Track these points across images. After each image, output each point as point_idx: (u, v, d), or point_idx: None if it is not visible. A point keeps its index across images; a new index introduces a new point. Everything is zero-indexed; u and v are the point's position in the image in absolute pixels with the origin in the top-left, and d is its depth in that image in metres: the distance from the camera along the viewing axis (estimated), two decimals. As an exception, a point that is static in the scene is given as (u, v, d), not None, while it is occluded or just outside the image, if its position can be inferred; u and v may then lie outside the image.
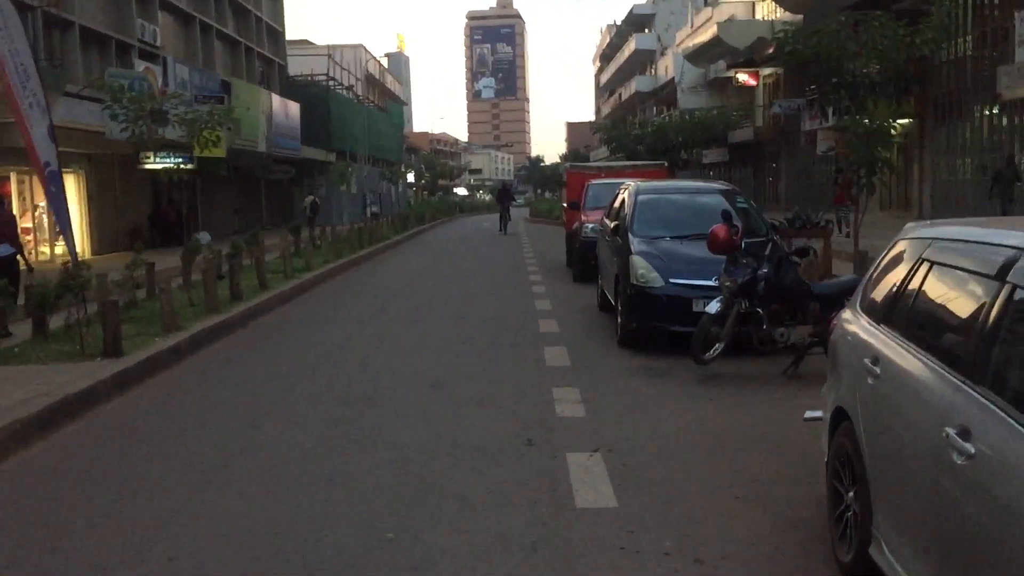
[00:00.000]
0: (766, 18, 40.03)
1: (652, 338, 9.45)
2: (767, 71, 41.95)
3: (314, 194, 45.97)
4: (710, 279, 9.02)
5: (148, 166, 26.82)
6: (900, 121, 27.37)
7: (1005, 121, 22.80)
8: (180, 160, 26.77)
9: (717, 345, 8.26)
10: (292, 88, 46.27)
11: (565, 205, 19.97)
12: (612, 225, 10.91)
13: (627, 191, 11.37)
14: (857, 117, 11.19)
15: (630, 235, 10.19)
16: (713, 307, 8.17)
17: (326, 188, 47.74)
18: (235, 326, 11.25)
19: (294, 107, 39.02)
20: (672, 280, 9.27)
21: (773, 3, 40.82)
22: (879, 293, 4.22)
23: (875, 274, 4.48)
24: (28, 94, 9.32)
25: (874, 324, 4.08)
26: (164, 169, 12.96)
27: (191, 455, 6.10)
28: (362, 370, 8.92)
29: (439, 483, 5.44)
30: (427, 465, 5.78)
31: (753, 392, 7.75)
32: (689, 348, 8.30)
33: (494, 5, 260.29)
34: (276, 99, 36.16)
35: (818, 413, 4.80)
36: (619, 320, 9.92)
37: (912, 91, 11.66)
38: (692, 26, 53.32)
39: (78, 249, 25.13)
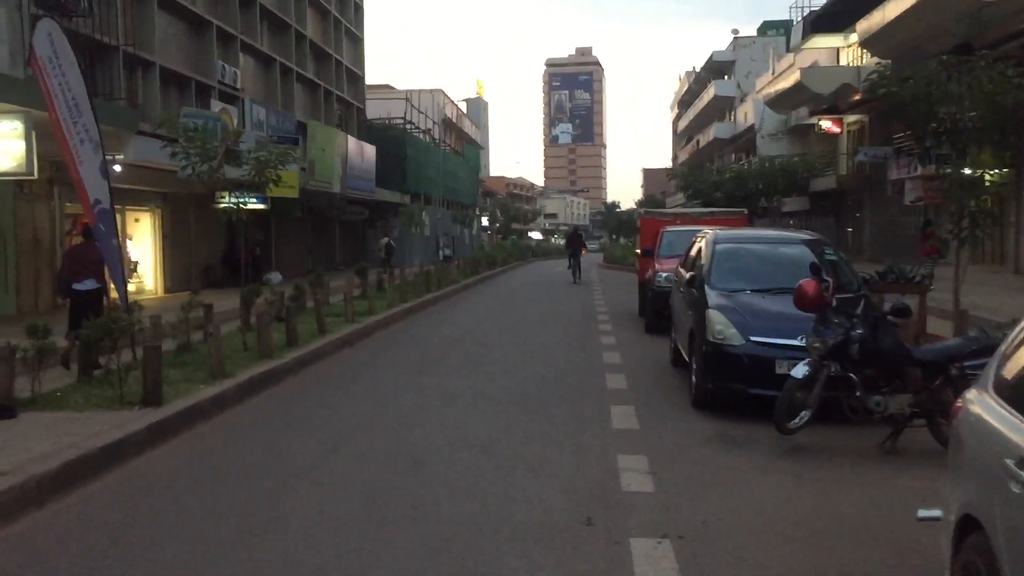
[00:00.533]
0: (851, 64, 38.88)
1: (730, 400, 8.63)
2: (851, 118, 40.71)
3: (389, 236, 46.19)
4: (796, 338, 8.18)
5: (223, 205, 27.07)
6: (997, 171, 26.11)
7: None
8: (253, 199, 26.96)
9: (804, 413, 7.40)
10: (370, 131, 46.68)
11: (638, 252, 19.20)
12: (688, 276, 10.14)
13: (704, 239, 10.61)
14: (957, 164, 10.24)
15: (707, 287, 9.41)
16: (800, 370, 7.33)
17: (399, 230, 47.84)
18: (287, 373, 10.75)
19: (370, 149, 39.20)
20: (753, 338, 8.45)
21: (859, 49, 39.70)
22: (1021, 374, 3.41)
23: (1011, 349, 3.67)
24: (80, 129, 9.08)
25: (1016, 414, 3.27)
26: (224, 208, 12.53)
27: (208, 527, 5.51)
28: (412, 427, 8.28)
29: (481, 571, 4.73)
30: (470, 546, 5.09)
31: (845, 469, 6.87)
32: (772, 414, 7.47)
33: (573, 52, 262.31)
34: (352, 141, 36.33)
35: (936, 513, 3.96)
36: (693, 379, 9.11)
37: (1009, 139, 10.59)
38: (773, 73, 52.31)
39: (150, 286, 25.49)
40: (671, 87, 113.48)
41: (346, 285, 19.88)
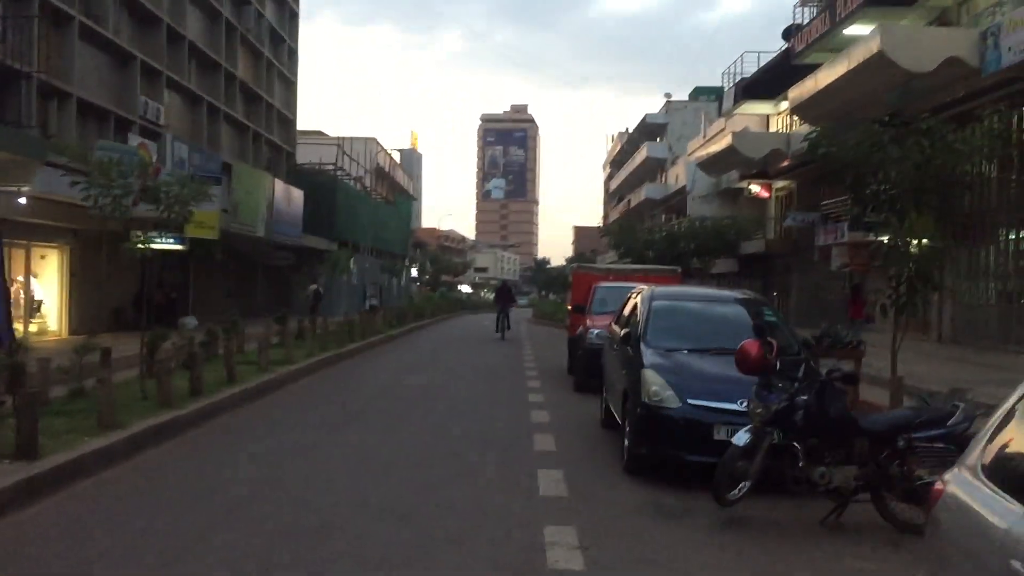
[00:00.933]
0: (781, 131, 39.64)
1: (664, 467, 8.09)
2: (780, 184, 41.40)
3: (316, 283, 45.09)
4: (735, 402, 7.73)
5: (139, 246, 25.93)
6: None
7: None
8: (171, 239, 25.87)
9: (744, 483, 6.89)
10: (300, 176, 45.81)
11: (569, 308, 18.74)
12: (622, 333, 9.65)
13: (640, 295, 10.16)
14: (895, 230, 10.03)
15: (643, 345, 8.92)
16: (741, 438, 6.84)
17: (325, 277, 46.80)
18: (187, 425, 9.88)
19: (297, 193, 38.35)
20: (691, 401, 7.95)
21: (788, 116, 40.54)
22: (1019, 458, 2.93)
23: (1000, 426, 3.19)
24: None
25: (1017, 502, 2.77)
26: (130, 246, 11.64)
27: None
28: (321, 491, 7.53)
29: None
30: (374, 639, 4.39)
31: (788, 546, 6.36)
32: (711, 484, 6.95)
33: (508, 109, 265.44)
34: (279, 185, 35.47)
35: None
36: (626, 443, 8.56)
37: (947, 205, 10.45)
38: (704, 136, 53.20)
39: (54, 327, 24.11)
40: (603, 148, 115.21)
41: (264, 332, 18.99)
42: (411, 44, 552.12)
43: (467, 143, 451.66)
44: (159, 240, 25.81)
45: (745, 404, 7.62)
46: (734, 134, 36.58)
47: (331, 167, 47.83)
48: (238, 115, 36.89)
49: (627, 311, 10.71)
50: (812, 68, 28.55)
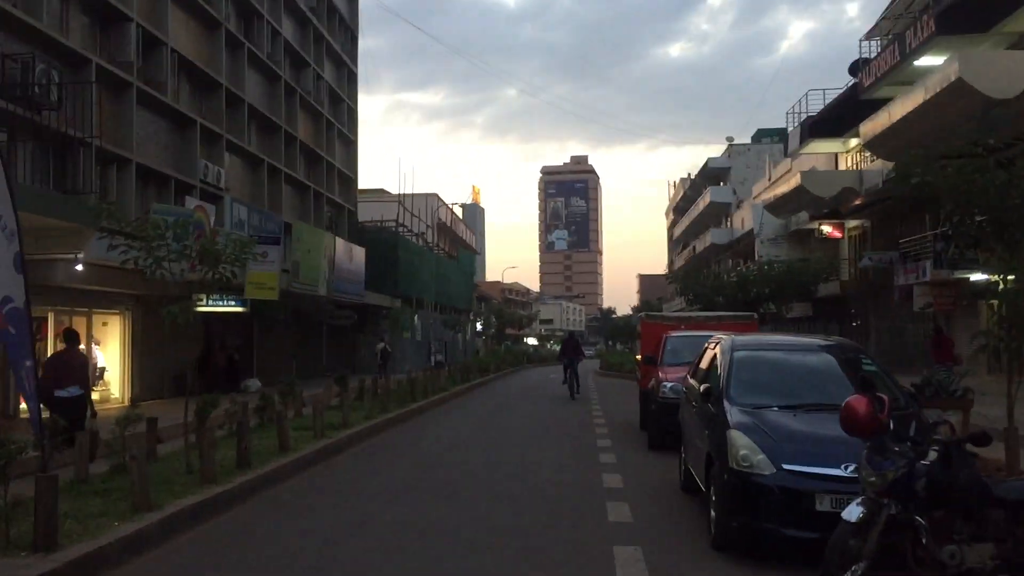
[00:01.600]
0: (850, 168, 38.31)
1: (759, 542, 7.08)
2: (852, 223, 39.96)
3: (384, 341, 44.74)
4: (839, 467, 6.74)
5: (200, 309, 25.73)
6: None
7: None
8: (232, 302, 25.65)
9: (858, 565, 5.86)
10: (361, 233, 45.84)
11: (639, 359, 17.76)
12: (701, 388, 8.67)
13: (719, 346, 9.20)
14: (1006, 263, 8.93)
15: (726, 402, 7.96)
16: (853, 511, 5.82)
17: (389, 335, 46.46)
18: (231, 502, 9.15)
19: (359, 251, 38.16)
20: (786, 466, 6.95)
21: (858, 154, 39.21)
22: None
23: None
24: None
25: None
26: (168, 311, 11.07)
27: None
28: (369, 577, 6.70)
29: None
30: None
31: (919, 644, 5.31)
32: (819, 565, 5.94)
33: (568, 160, 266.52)
34: (340, 243, 35.29)
35: None
36: (713, 514, 7.57)
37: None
38: (770, 179, 51.99)
39: (117, 394, 23.89)
40: (665, 195, 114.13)
41: (323, 394, 18.40)
42: (469, 105, 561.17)
43: (529, 197, 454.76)
44: (220, 303, 25.80)
45: (850, 469, 6.64)
46: (802, 173, 35.41)
47: (392, 224, 47.77)
48: (299, 175, 36.98)
49: (704, 363, 9.76)
50: (881, 103, 27.44)
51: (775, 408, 7.78)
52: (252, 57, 32.02)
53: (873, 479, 5.84)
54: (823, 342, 9.39)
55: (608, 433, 16.28)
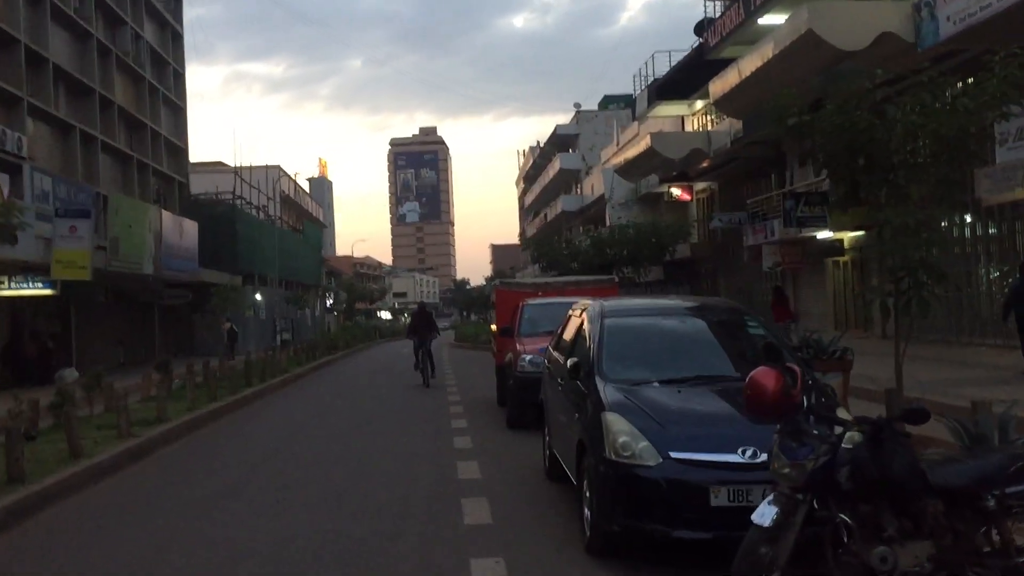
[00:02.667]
0: (698, 130, 38.28)
1: (643, 543, 5.92)
2: (700, 186, 40.07)
3: (230, 320, 41.90)
4: (736, 451, 5.64)
5: (2, 292, 22.87)
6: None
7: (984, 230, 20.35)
8: (39, 283, 22.87)
9: (772, 576, 4.73)
10: (196, 208, 42.70)
11: (494, 330, 16.51)
12: (569, 362, 7.38)
13: (586, 313, 7.97)
14: (896, 209, 8.05)
15: (598, 379, 6.70)
16: (767, 514, 4.67)
17: (231, 314, 43.65)
18: (-8, 531, 7.29)
19: (190, 225, 35.32)
20: (674, 454, 5.77)
21: (704, 116, 39.24)
22: None
23: None
24: None
25: None
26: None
27: None
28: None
29: None
30: None
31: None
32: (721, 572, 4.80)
33: (416, 132, 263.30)
34: (168, 217, 32.45)
35: None
36: (587, 513, 6.34)
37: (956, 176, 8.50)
38: (618, 144, 51.88)
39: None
40: (515, 164, 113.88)
41: (142, 383, 16.28)
42: (312, 75, 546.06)
43: (378, 170, 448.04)
44: (25, 285, 22.95)
45: (747, 454, 5.56)
46: (652, 135, 35.04)
47: (228, 196, 44.78)
48: (119, 144, 33.77)
49: (569, 333, 8.52)
50: (726, 63, 27.09)
51: (655, 384, 6.60)
52: (57, 12, 28.74)
53: (787, 471, 4.71)
54: (701, 303, 8.33)
55: (464, 412, 14.96)
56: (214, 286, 41.69)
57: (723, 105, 26.64)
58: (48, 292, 22.67)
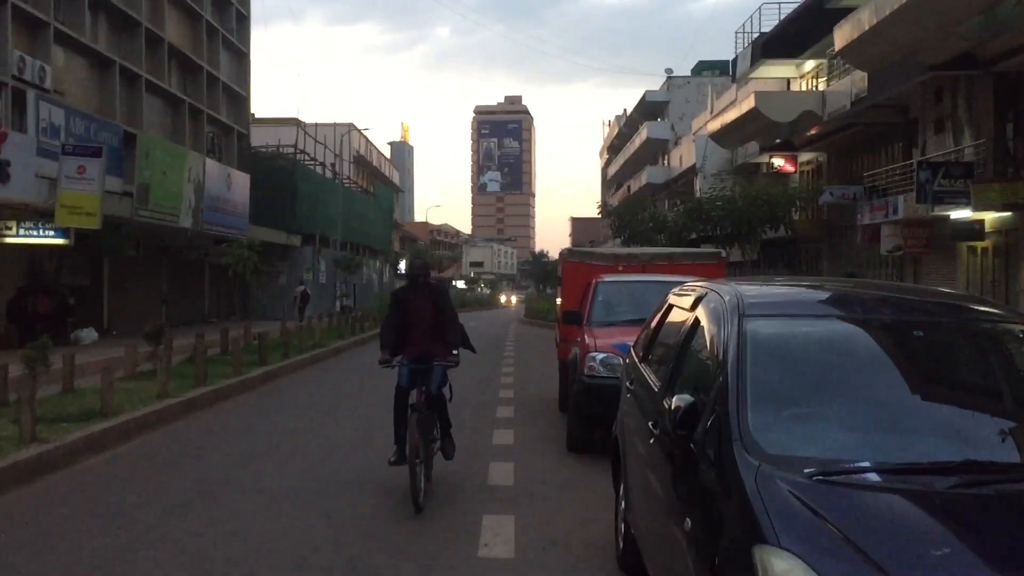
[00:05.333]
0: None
1: None
2: (805, 157, 35.66)
3: (303, 283, 39.41)
4: None
5: (8, 240, 20.24)
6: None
7: None
8: (51, 233, 20.17)
9: None
10: (255, 161, 40.07)
11: (560, 316, 12.96)
12: (671, 404, 3.72)
13: (704, 304, 4.35)
14: None
15: (740, 453, 3.10)
16: None
17: (287, 277, 41.08)
18: None
19: (241, 177, 32.52)
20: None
21: (813, 80, 34.76)
22: None
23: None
24: None
25: None
26: None
27: None
28: None
29: None
30: None
31: None
32: None
33: (502, 100, 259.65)
34: (213, 165, 29.63)
35: None
36: None
37: None
38: (712, 111, 47.51)
39: None
40: (599, 136, 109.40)
41: (126, 356, 13.26)
42: (400, 42, 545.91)
43: (462, 138, 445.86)
44: (34, 233, 20.27)
45: None
46: (757, 93, 30.81)
47: (290, 149, 41.99)
48: (168, 86, 31.01)
49: (670, 337, 4.92)
50: (847, 12, 22.84)
51: (871, 474, 2.99)
52: (97, -66, 25.92)
53: None
54: (938, 298, 4.53)
55: (514, 418, 11.50)
56: (282, 246, 39.13)
57: (851, 54, 22.38)
58: (60, 241, 19.94)
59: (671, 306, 5.27)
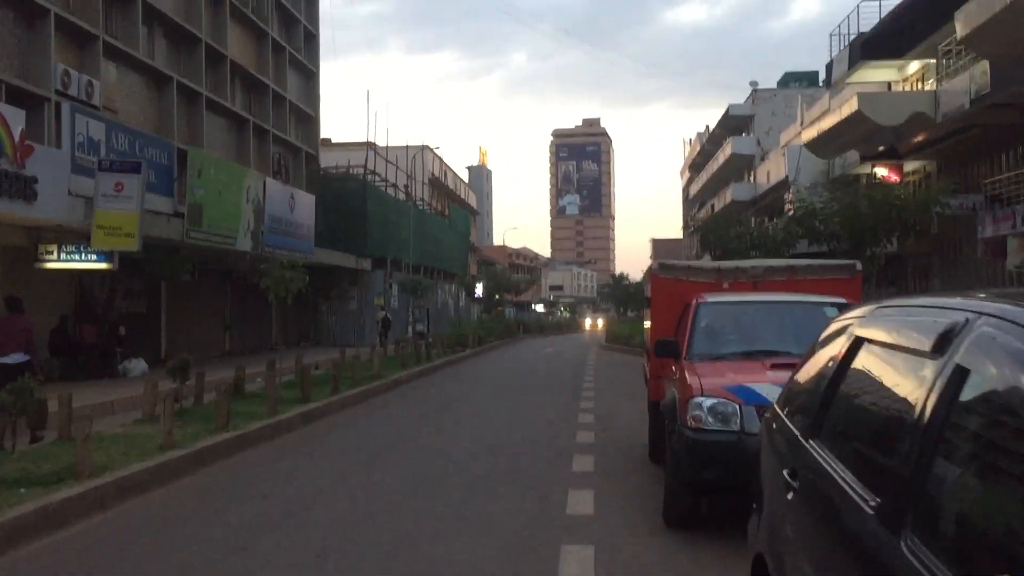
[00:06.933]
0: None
1: None
2: (911, 166, 32.56)
3: (385, 309, 38.15)
4: None
5: (49, 265, 18.91)
6: None
7: None
8: (94, 257, 18.78)
9: None
10: (325, 182, 38.81)
11: (649, 344, 10.70)
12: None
13: (991, 332, 2.14)
14: None
15: None
16: None
17: (357, 301, 39.61)
18: None
19: (305, 198, 31.08)
20: None
21: (918, 82, 31.81)
22: None
23: None
24: None
25: None
26: None
27: None
28: None
29: None
30: None
31: None
32: None
33: (579, 123, 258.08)
34: (275, 185, 28.19)
35: None
36: None
37: None
38: (802, 123, 44.61)
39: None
40: (679, 155, 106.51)
41: (143, 396, 11.48)
42: (477, 69, 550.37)
43: (540, 162, 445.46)
44: (76, 256, 18.90)
45: None
46: (860, 95, 28.06)
47: (360, 170, 40.61)
48: (231, 104, 29.83)
49: (886, 401, 2.70)
50: (960, 4, 20.14)
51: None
52: (154, -55, 24.82)
53: None
54: None
55: (592, 474, 9.27)
56: (352, 270, 37.62)
57: (977, 41, 19.66)
58: (103, 266, 18.53)
59: (860, 342, 3.02)
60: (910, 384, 2.39)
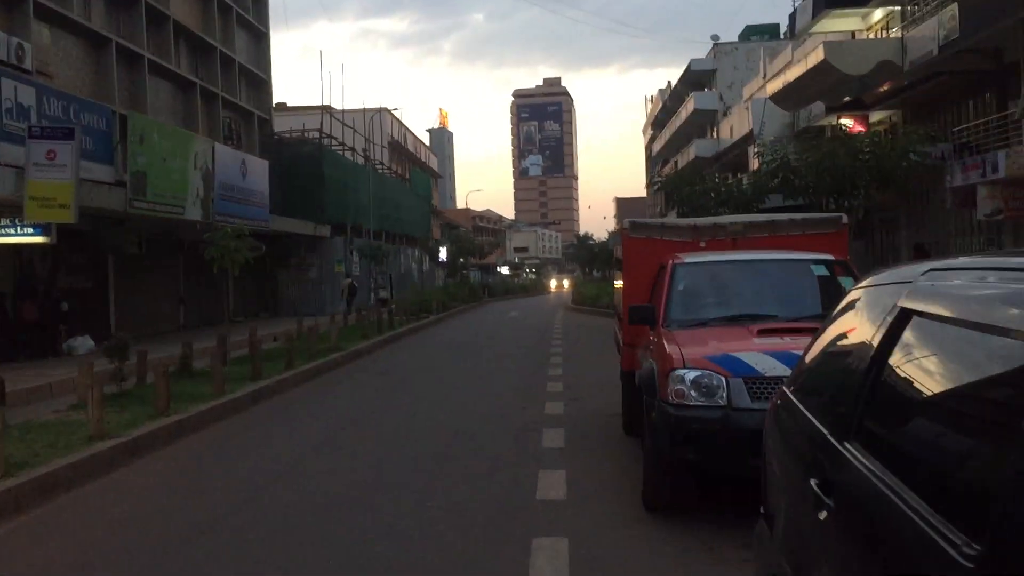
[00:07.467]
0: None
1: None
2: (876, 116, 32.08)
3: (350, 276, 37.28)
4: None
5: (-17, 240, 17.82)
6: None
7: None
8: (30, 231, 17.70)
9: None
10: (279, 147, 37.58)
11: (617, 300, 10.05)
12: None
13: None
14: None
15: None
16: None
17: (317, 269, 38.60)
18: None
19: (257, 164, 29.92)
20: None
21: (883, 31, 31.26)
22: None
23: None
24: None
25: None
26: None
27: None
28: None
29: None
30: None
31: None
32: None
33: (540, 83, 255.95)
34: (224, 151, 27.04)
35: None
36: None
37: None
38: (765, 76, 44.02)
39: None
40: (640, 117, 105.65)
41: (78, 379, 10.66)
42: (435, 31, 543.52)
43: (502, 123, 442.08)
44: (11, 232, 17.82)
45: None
46: (826, 44, 27.39)
47: (315, 134, 39.39)
48: (178, 68, 28.52)
49: (952, 383, 2.04)
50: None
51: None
52: None
53: None
54: None
55: (565, 449, 8.63)
56: (310, 237, 36.54)
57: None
58: (40, 239, 17.47)
59: (909, 317, 2.33)
60: (1020, 382, 1.69)
